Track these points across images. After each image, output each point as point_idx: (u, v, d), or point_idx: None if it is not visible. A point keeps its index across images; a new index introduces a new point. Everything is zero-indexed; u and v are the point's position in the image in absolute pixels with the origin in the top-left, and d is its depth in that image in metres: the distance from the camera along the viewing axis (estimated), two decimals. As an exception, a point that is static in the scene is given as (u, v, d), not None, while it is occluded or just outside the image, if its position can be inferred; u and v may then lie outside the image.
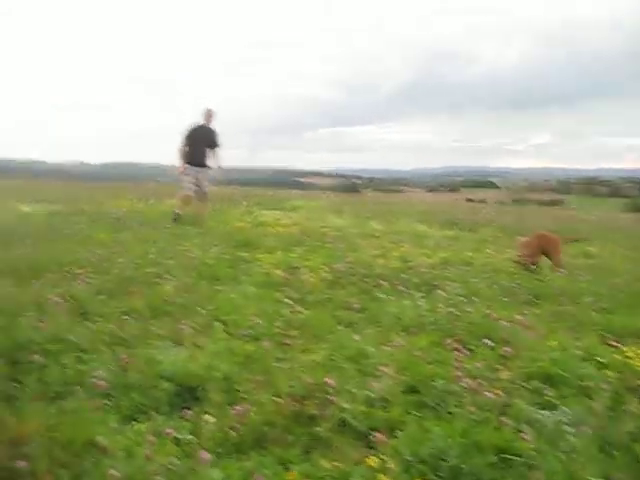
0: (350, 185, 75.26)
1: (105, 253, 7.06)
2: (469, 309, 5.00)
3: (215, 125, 11.44)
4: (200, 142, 11.27)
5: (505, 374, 3.40)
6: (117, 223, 10.42)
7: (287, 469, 2.48)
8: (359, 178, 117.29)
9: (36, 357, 3.52)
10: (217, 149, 11.43)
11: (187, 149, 11.21)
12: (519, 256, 7.56)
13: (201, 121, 11.36)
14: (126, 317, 4.51)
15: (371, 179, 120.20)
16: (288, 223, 11.51)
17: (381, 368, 3.54)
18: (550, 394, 3.32)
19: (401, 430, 2.90)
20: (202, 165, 11.30)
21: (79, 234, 8.81)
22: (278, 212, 14.02)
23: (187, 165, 11.19)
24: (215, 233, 9.28)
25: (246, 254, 7.57)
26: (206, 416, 2.73)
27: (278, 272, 6.44)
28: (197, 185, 11.19)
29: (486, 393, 3.06)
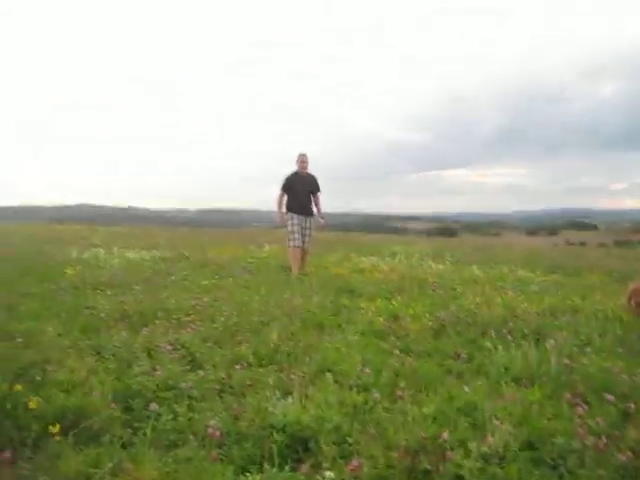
0: (446, 229, 74.55)
1: (210, 300, 7.23)
2: (583, 360, 4.78)
3: (311, 170, 11.24)
4: (301, 189, 10.97)
5: (633, 433, 3.21)
6: (219, 270, 10.69)
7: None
8: (455, 222, 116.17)
9: (152, 405, 3.59)
10: (318, 195, 11.16)
11: (288, 197, 10.90)
12: (631, 303, 7.22)
13: (296, 167, 11.10)
14: (234, 365, 4.57)
15: (468, 223, 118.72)
16: (387, 269, 11.46)
17: (494, 422, 3.43)
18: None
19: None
20: (307, 213, 10.95)
21: (184, 280, 9.09)
22: (376, 258, 13.97)
23: (291, 214, 10.82)
24: (315, 280, 9.33)
25: (348, 301, 7.57)
26: (328, 473, 2.69)
27: (381, 320, 6.40)
28: (302, 235, 10.78)
29: (619, 455, 2.88)
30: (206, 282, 8.86)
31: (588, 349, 5.28)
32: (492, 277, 10.73)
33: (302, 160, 11.09)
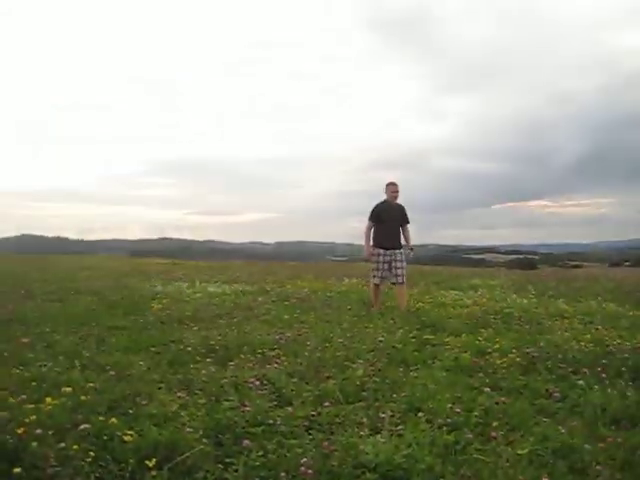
0: (526, 261, 72.91)
1: (292, 335, 7.25)
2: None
3: (400, 201, 10.60)
4: (391, 220, 10.34)
5: None
6: (300, 303, 10.72)
7: None
8: (535, 253, 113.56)
9: (245, 442, 3.60)
10: (407, 227, 10.56)
11: (376, 229, 10.27)
12: None
13: (385, 197, 10.44)
14: (321, 401, 4.55)
15: (548, 254, 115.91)
16: (469, 303, 11.25)
17: (596, 466, 3.29)
18: None
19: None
20: (396, 247, 10.29)
21: (265, 315, 9.15)
22: (456, 292, 13.77)
23: (377, 249, 10.20)
24: (397, 314, 9.24)
25: (432, 336, 7.44)
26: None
27: (466, 356, 6.27)
28: (390, 270, 10.14)
29: None
30: (288, 316, 8.89)
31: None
32: (579, 311, 10.37)
33: (393, 190, 10.45)
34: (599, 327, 8.32)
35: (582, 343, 6.86)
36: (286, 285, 14.38)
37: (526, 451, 3.59)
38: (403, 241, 10.54)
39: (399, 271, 10.21)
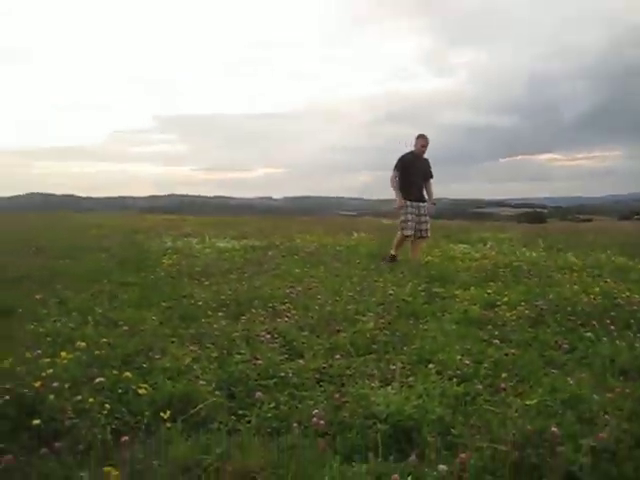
0: (535, 215, 72.67)
1: (303, 289, 7.29)
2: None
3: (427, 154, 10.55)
4: (418, 174, 10.35)
5: None
6: (310, 258, 10.76)
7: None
8: (544, 207, 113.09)
9: (257, 394, 3.66)
10: (431, 181, 10.58)
11: (403, 181, 10.21)
12: None
13: (413, 149, 10.41)
14: (332, 354, 4.61)
15: (558, 208, 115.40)
16: (478, 257, 11.26)
17: (604, 416, 3.32)
18: None
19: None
20: (421, 200, 10.35)
21: (275, 269, 9.20)
22: (466, 245, 13.77)
23: (406, 201, 10.17)
24: (407, 268, 9.26)
25: (441, 289, 7.48)
26: (441, 467, 2.66)
27: (476, 308, 6.30)
28: (417, 222, 10.19)
29: None
30: (298, 270, 8.93)
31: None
32: (588, 264, 10.36)
33: (423, 144, 10.38)
34: (608, 280, 8.31)
35: (591, 296, 6.86)
36: (295, 240, 14.40)
37: (535, 402, 3.62)
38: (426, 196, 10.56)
39: (424, 225, 10.28)
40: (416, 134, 10.54)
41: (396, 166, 10.28)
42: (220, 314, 5.90)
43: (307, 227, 20.02)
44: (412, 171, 10.24)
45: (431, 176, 10.55)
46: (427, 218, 10.35)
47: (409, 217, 10.14)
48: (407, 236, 10.21)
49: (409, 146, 10.58)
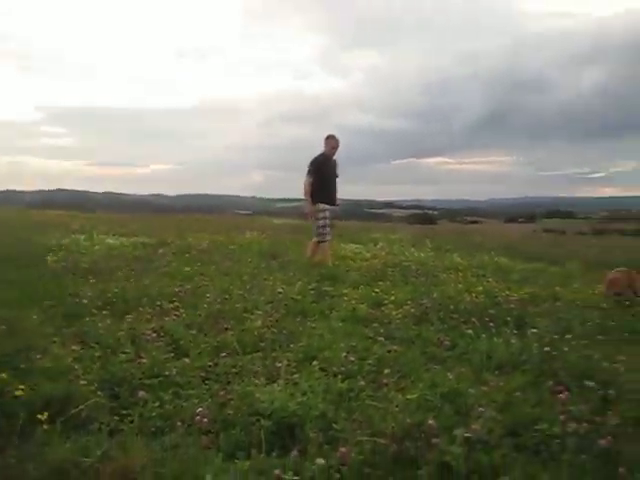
0: (425, 216, 74.66)
1: (192, 287, 7.22)
2: (564, 347, 4.84)
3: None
4: (331, 176, 9.98)
5: (613, 418, 3.27)
6: (201, 256, 10.65)
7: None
8: (434, 209, 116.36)
9: (141, 393, 3.60)
10: (337, 181, 10.17)
11: (317, 185, 9.71)
12: (610, 292, 7.44)
13: (323, 150, 9.96)
14: (218, 353, 4.59)
15: (447, 210, 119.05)
16: (369, 256, 11.49)
17: (478, 408, 3.47)
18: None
19: (504, 474, 2.83)
20: (335, 203, 10.00)
21: (165, 267, 9.04)
22: (357, 245, 13.99)
23: (323, 205, 9.76)
24: (298, 267, 9.32)
25: (330, 288, 7.58)
26: (318, 460, 2.70)
27: (363, 307, 6.42)
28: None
29: (596, 439, 2.94)
30: (188, 269, 8.81)
31: (569, 336, 5.35)
32: (473, 265, 10.79)
33: (334, 145, 9.95)
34: (490, 280, 8.69)
35: (473, 295, 7.15)
36: (187, 238, 14.18)
37: (415, 396, 3.74)
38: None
39: (328, 229, 9.93)
40: (324, 135, 10.13)
41: (310, 171, 9.82)
42: (105, 312, 5.73)
43: (201, 225, 19.80)
44: (325, 174, 9.88)
45: (337, 176, 10.20)
46: (332, 221, 10.07)
47: (327, 222, 9.80)
48: (324, 242, 9.85)
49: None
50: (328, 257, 9.91)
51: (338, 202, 10.27)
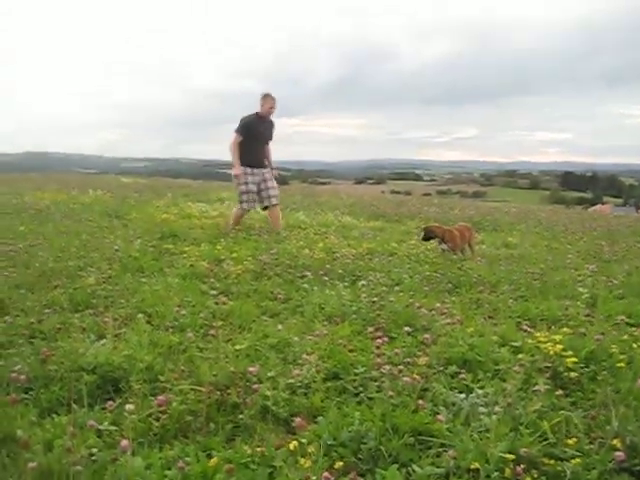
0: (277, 177, 75.04)
1: (25, 246, 6.91)
2: (391, 298, 5.10)
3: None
4: (261, 139, 9.27)
5: (424, 360, 3.50)
6: (38, 215, 10.19)
7: (209, 456, 2.50)
8: (287, 170, 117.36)
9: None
10: (270, 144, 9.48)
11: (245, 146, 9.00)
12: (443, 246, 7.90)
13: (259, 110, 9.15)
14: (47, 311, 4.45)
15: (300, 171, 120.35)
16: (214, 215, 11.44)
17: (304, 356, 3.60)
18: (466, 378, 3.43)
19: (322, 416, 2.97)
20: (264, 166, 9.24)
21: (-2, 226, 8.60)
22: (204, 204, 13.88)
23: (248, 168, 9.04)
24: (139, 225, 9.16)
25: (171, 246, 7.51)
26: (128, 406, 2.71)
27: (203, 264, 6.42)
28: (259, 192, 9.12)
29: (405, 378, 3.14)
30: (23, 228, 8.41)
31: (397, 288, 5.64)
32: (317, 223, 11.03)
33: (271, 105, 9.16)
34: (332, 236, 8.92)
35: (314, 251, 7.33)
36: (24, 197, 13.50)
37: (244, 346, 3.83)
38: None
39: (271, 191, 9.22)
40: (263, 93, 9.29)
41: (239, 129, 9.08)
42: None
43: (40, 184, 18.85)
44: (256, 135, 9.15)
45: (271, 138, 9.49)
46: (274, 183, 9.34)
47: (250, 187, 9.08)
48: (246, 210, 9.32)
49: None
50: (278, 222, 9.39)
51: (274, 166, 9.62)
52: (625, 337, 4.07)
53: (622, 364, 3.48)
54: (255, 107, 9.03)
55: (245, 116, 9.19)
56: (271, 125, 9.40)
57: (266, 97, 9.18)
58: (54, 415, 2.86)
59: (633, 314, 5.11)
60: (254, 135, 9.09)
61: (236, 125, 9.18)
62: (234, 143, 9.04)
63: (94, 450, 2.46)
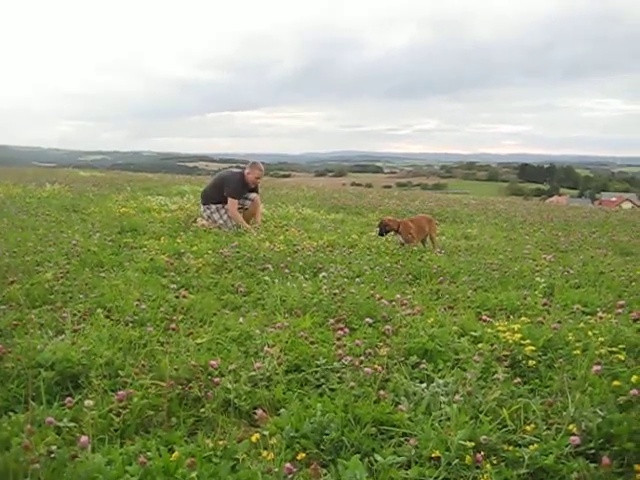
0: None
1: (-22, 242, 6.78)
2: (352, 290, 5.12)
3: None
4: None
5: (385, 350, 3.51)
6: (-10, 210, 10.00)
7: (171, 451, 2.49)
8: (246, 162, 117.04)
9: None
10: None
11: (220, 197, 9.08)
12: (403, 237, 7.96)
13: (246, 177, 9.26)
14: (3, 307, 4.36)
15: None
16: (174, 208, 11.35)
17: (265, 349, 3.60)
18: (427, 368, 3.47)
19: (284, 408, 2.98)
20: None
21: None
22: (164, 197, 13.77)
23: (216, 206, 9.13)
24: (98, 219, 9.05)
25: (131, 240, 7.45)
26: (87, 402, 2.68)
27: (163, 257, 6.37)
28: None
29: (366, 369, 3.16)
30: (-24, 223, 8.25)
31: (358, 280, 5.67)
32: (278, 216, 11.03)
33: (259, 176, 9.42)
34: (293, 229, 8.92)
35: (275, 244, 7.32)
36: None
37: (205, 340, 3.82)
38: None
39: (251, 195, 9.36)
40: (252, 161, 9.53)
41: (234, 194, 9.10)
42: None
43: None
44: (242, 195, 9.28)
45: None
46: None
47: (222, 218, 9.14)
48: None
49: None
50: (259, 215, 9.48)
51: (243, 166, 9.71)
52: (581, 325, 4.15)
53: (578, 352, 3.54)
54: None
55: (231, 178, 9.26)
56: (255, 188, 9.47)
57: (254, 167, 9.31)
58: (11, 413, 2.80)
59: (589, 303, 5.25)
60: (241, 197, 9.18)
61: (216, 178, 9.56)
62: (235, 211, 9.05)
63: (53, 447, 2.42)
